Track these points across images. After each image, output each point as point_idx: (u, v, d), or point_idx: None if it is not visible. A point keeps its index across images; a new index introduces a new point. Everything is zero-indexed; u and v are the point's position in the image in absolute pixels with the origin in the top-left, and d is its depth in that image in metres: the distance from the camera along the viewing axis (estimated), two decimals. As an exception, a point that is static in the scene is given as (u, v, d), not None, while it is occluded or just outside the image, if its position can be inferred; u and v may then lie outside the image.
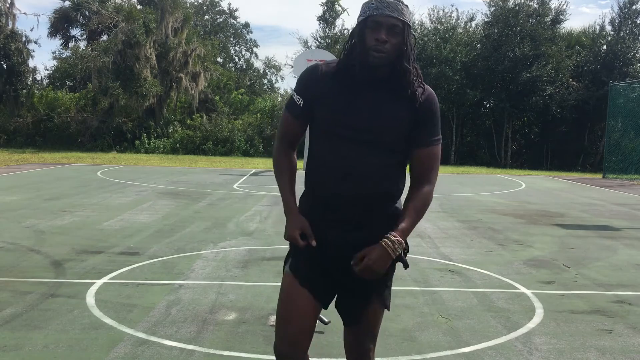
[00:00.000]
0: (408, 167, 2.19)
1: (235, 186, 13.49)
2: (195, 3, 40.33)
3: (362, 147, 2.07)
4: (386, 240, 2.02)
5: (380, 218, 2.11)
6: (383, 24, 2.00)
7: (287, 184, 2.22)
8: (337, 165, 2.08)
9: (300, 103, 2.15)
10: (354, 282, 2.13)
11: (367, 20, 2.03)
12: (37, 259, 5.79)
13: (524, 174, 21.41)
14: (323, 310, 2.27)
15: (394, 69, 2.06)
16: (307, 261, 2.15)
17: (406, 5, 2.08)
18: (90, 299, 4.49)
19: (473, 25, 30.63)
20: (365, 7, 2.06)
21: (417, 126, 2.10)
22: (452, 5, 71.57)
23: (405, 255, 2.09)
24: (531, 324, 4.18)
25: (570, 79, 27.51)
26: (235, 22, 43.49)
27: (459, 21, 30.45)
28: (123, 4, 30.83)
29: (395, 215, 2.13)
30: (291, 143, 2.25)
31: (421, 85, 2.10)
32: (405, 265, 2.10)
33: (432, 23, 30.02)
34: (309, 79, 2.15)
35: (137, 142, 26.94)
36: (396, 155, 2.12)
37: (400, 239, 2.03)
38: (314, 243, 2.11)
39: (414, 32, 2.10)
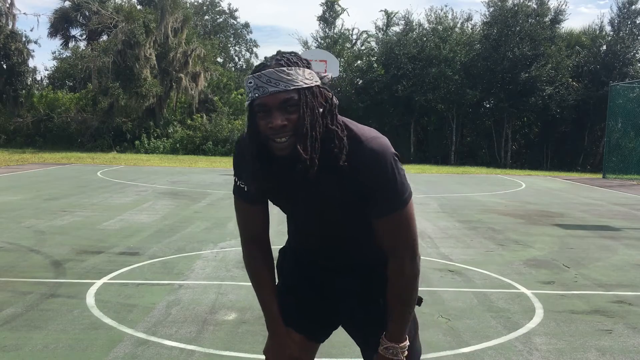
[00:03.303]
0: None
1: (235, 186, 13.48)
2: (195, 3, 40.35)
3: (320, 235, 1.80)
4: (382, 349, 1.76)
5: (369, 265, 1.85)
6: (272, 105, 1.54)
7: (268, 296, 1.85)
8: (306, 245, 1.88)
9: (246, 188, 1.77)
10: (358, 328, 1.92)
11: (253, 106, 1.59)
12: (37, 259, 5.79)
13: (524, 174, 21.41)
14: None
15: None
16: (297, 303, 1.90)
17: (296, 60, 1.60)
18: (90, 299, 4.49)
19: (470, 25, 30.68)
20: (246, 87, 1.62)
21: (366, 195, 1.64)
22: (446, 6, 71.51)
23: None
24: (531, 324, 4.18)
25: (570, 79, 27.52)
26: (235, 22, 43.55)
27: (456, 21, 30.50)
28: (123, 4, 30.86)
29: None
30: (259, 235, 1.87)
31: (350, 146, 1.61)
32: (418, 302, 1.87)
33: (429, 24, 30.07)
34: (240, 159, 1.77)
35: (137, 142, 26.96)
36: (363, 225, 1.74)
37: (393, 344, 1.74)
38: None
39: (326, 80, 1.65)
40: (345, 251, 1.82)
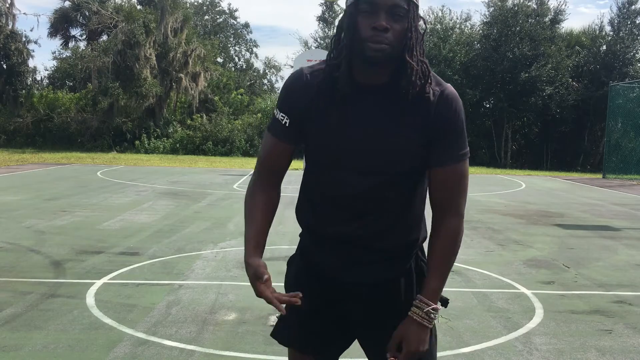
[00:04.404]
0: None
1: (235, 186, 13.48)
2: (195, 3, 40.36)
3: (366, 178, 1.62)
4: (417, 311, 1.62)
5: (401, 246, 1.71)
6: (381, 5, 1.50)
7: (254, 225, 1.71)
8: (336, 203, 1.66)
9: (285, 122, 1.68)
10: (374, 332, 1.74)
11: (359, 3, 1.53)
12: (37, 259, 5.79)
13: (524, 174, 21.40)
14: None
15: (398, 67, 1.56)
16: (301, 318, 1.74)
17: None
18: (90, 299, 4.49)
19: (469, 25, 30.70)
20: None
21: (435, 140, 1.60)
22: (444, 6, 71.58)
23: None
24: (531, 324, 4.19)
25: (570, 79, 27.53)
26: (235, 22, 43.56)
27: (455, 21, 30.52)
28: (123, 4, 30.86)
29: (417, 233, 1.73)
30: (273, 174, 1.75)
31: (432, 84, 1.60)
32: (444, 303, 1.73)
33: (428, 24, 30.04)
34: (292, 91, 1.68)
35: (137, 142, 26.95)
36: (412, 180, 1.66)
37: (434, 305, 1.62)
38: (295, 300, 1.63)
39: (423, 16, 1.62)
40: (378, 215, 1.66)
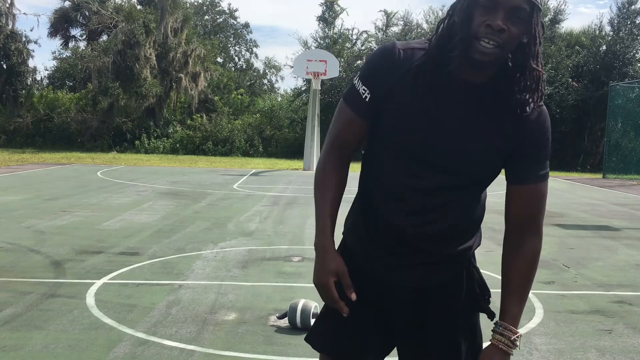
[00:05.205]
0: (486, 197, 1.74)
1: (235, 186, 13.49)
2: (195, 3, 40.34)
3: (437, 175, 1.52)
4: (502, 339, 1.60)
5: (456, 251, 1.66)
6: (502, 3, 1.38)
7: (328, 205, 1.60)
8: (399, 194, 1.55)
9: (365, 96, 1.54)
10: (422, 335, 1.67)
11: None
12: (37, 259, 5.79)
13: (524, 174, 21.40)
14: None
15: (503, 69, 1.47)
16: (338, 322, 1.63)
17: None
18: (90, 299, 4.49)
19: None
20: None
21: (520, 155, 1.54)
22: (444, 6, 71.65)
23: (489, 303, 1.72)
24: (531, 324, 4.19)
25: (570, 79, 27.53)
26: (235, 22, 43.55)
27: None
28: (123, 4, 30.88)
29: (473, 241, 1.69)
30: (346, 150, 1.63)
31: (541, 96, 1.51)
32: (491, 316, 1.75)
33: (428, 24, 30.08)
34: (380, 65, 1.53)
35: (137, 142, 26.96)
36: (482, 187, 1.65)
37: (519, 333, 1.59)
38: (353, 296, 1.56)
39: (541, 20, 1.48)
40: (438, 214, 1.57)
